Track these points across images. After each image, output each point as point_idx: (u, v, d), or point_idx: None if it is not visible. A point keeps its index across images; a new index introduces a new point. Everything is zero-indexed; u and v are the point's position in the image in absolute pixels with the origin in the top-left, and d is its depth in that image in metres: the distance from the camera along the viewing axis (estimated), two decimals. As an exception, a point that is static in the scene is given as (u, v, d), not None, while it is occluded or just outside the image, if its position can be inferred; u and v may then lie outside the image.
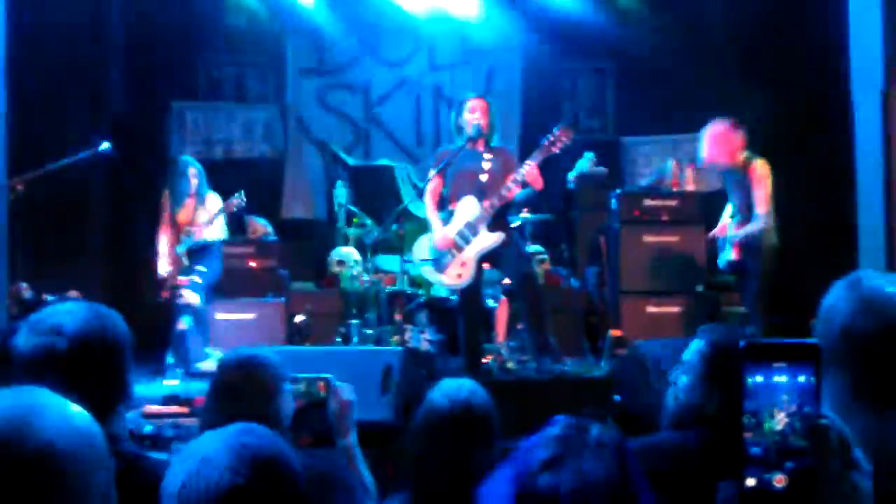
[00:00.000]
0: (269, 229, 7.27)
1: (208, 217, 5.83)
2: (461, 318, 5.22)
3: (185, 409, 4.72)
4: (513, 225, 5.59)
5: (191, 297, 5.80)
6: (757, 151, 5.31)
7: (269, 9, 8.02)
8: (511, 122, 8.10)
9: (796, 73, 6.81)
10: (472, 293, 5.17)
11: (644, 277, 6.32)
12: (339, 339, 6.15)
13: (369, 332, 6.05)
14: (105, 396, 1.71)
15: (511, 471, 1.03)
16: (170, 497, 1.29)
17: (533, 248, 6.64)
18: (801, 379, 1.02)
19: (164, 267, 5.93)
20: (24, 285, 5.97)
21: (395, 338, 5.78)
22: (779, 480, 1.01)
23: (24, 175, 5.34)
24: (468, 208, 5.11)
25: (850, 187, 5.67)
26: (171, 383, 5.43)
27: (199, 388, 4.77)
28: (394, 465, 2.15)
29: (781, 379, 1.02)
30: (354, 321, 6.10)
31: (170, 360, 5.75)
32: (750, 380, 1.02)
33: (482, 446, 1.96)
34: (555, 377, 5.00)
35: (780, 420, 1.01)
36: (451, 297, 5.70)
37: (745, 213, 5.23)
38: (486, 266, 5.26)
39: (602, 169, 7.37)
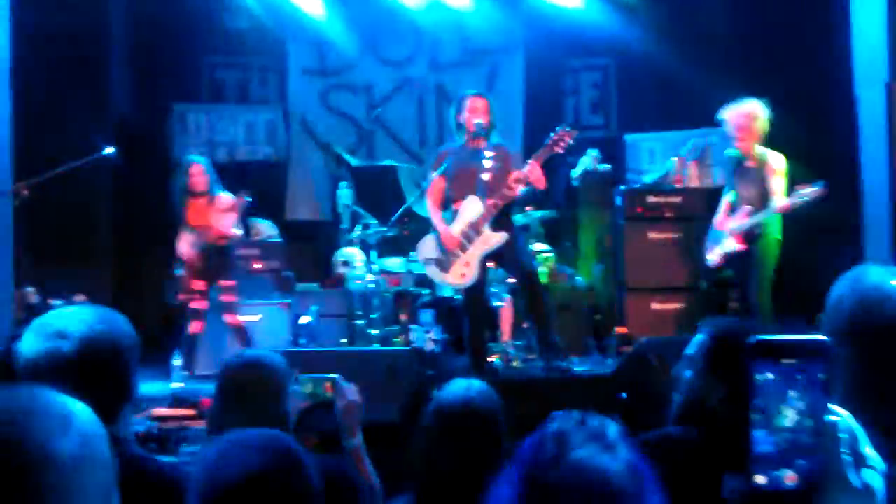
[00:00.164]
0: (274, 231, 7.28)
1: (221, 216, 5.79)
2: (466, 318, 5.21)
3: (191, 412, 4.72)
4: (516, 224, 5.58)
5: (202, 304, 5.81)
6: (761, 145, 5.32)
7: (271, 11, 8.02)
8: (513, 120, 8.10)
9: (800, 68, 6.79)
10: (476, 292, 5.16)
11: (648, 274, 6.32)
12: (344, 340, 6.15)
13: (375, 332, 6.05)
14: (111, 399, 1.72)
15: (517, 469, 1.02)
16: (195, 482, 1.32)
17: (538, 246, 6.63)
18: (811, 375, 1.01)
19: (180, 268, 5.90)
20: (31, 290, 5.98)
21: (401, 338, 5.79)
22: (789, 478, 1.00)
23: (29, 180, 5.35)
24: (471, 208, 5.10)
25: (855, 180, 5.66)
26: (178, 385, 5.44)
27: (205, 391, 4.78)
28: (400, 465, 2.14)
29: (791, 375, 1.02)
30: (360, 322, 6.10)
31: (175, 362, 5.76)
32: (759, 376, 1.02)
33: (489, 447, 1.96)
34: (560, 375, 4.99)
35: (789, 417, 1.01)
36: (456, 297, 5.70)
37: (757, 205, 5.24)
38: (490, 265, 5.25)
39: (606, 166, 7.36)
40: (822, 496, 0.99)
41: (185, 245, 5.83)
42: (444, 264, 5.15)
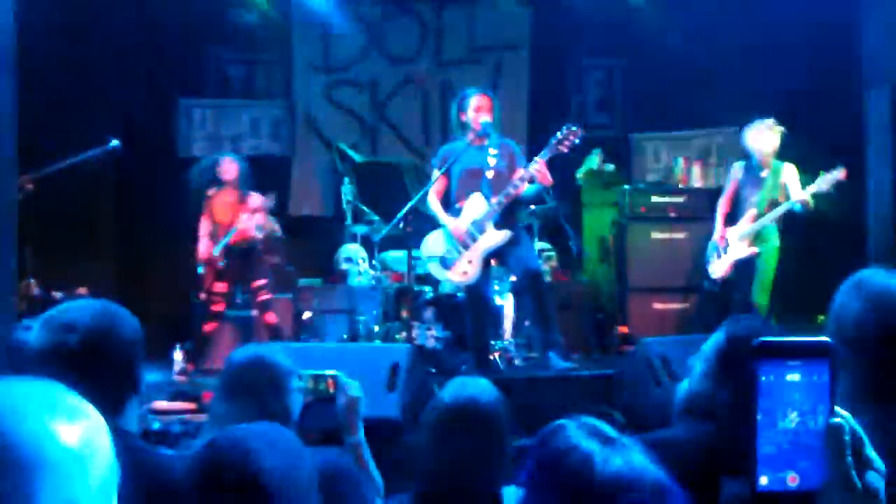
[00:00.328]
0: (277, 226, 7.29)
1: (249, 217, 5.80)
2: (468, 315, 5.22)
3: (192, 406, 4.73)
4: (520, 222, 5.58)
5: (221, 307, 5.82)
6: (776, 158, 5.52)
7: (276, 6, 8.02)
8: (518, 118, 8.09)
9: (806, 67, 6.78)
10: (479, 290, 5.16)
11: (651, 274, 6.32)
12: (346, 336, 6.16)
13: (376, 328, 6.05)
14: (116, 392, 1.73)
15: (528, 468, 1.02)
16: (196, 475, 1.34)
17: (541, 244, 6.63)
18: (815, 377, 1.01)
19: (202, 267, 5.91)
20: (33, 282, 5.99)
21: (403, 335, 5.78)
22: (792, 479, 1.00)
23: (33, 173, 5.35)
24: (476, 206, 5.10)
25: (861, 181, 5.66)
26: (180, 379, 5.45)
27: (207, 385, 4.79)
28: (401, 462, 2.15)
29: (795, 377, 1.02)
30: (362, 318, 6.11)
31: (177, 355, 5.77)
32: (763, 378, 1.02)
33: (490, 444, 1.96)
34: (562, 374, 4.99)
35: (793, 419, 1.01)
36: (459, 294, 5.70)
37: (766, 212, 5.43)
38: (493, 263, 5.26)
39: (610, 165, 7.36)
40: (825, 498, 0.99)
41: (206, 245, 5.83)
42: (447, 261, 5.15)
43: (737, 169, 5.68)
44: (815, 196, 5.27)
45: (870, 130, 5.81)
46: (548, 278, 6.13)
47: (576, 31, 7.89)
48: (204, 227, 5.90)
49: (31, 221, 5.59)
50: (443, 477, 1.93)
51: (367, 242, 6.82)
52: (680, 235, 6.38)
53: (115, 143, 5.74)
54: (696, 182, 7.03)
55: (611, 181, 7.18)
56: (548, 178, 4.91)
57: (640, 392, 4.33)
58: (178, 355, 5.77)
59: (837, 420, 1.02)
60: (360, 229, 6.81)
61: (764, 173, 5.51)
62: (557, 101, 8.26)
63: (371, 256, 6.66)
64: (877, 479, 1.03)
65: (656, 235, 6.41)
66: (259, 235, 5.89)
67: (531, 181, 4.98)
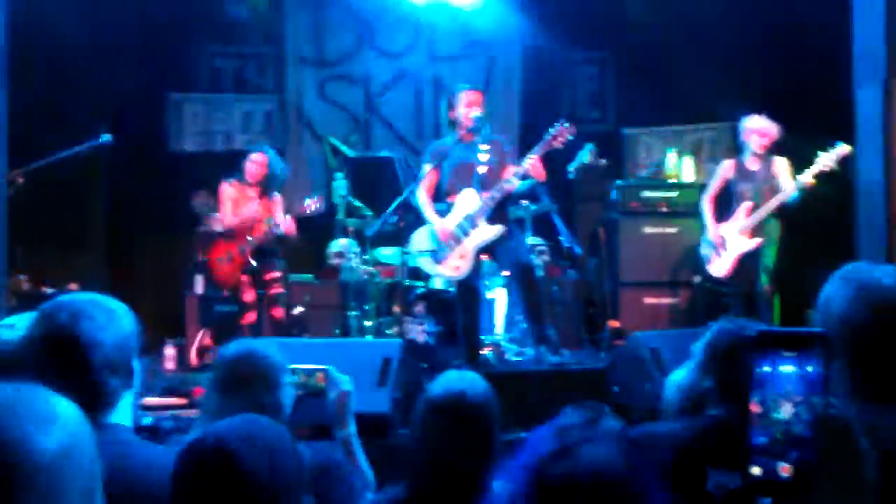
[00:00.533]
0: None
1: (269, 215, 5.81)
2: (460, 310, 5.22)
3: (183, 401, 4.73)
4: (511, 217, 5.58)
5: (252, 296, 5.83)
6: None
7: (269, 0, 8.00)
8: (511, 112, 8.09)
9: (798, 64, 6.80)
10: (470, 285, 5.17)
11: (643, 269, 6.33)
12: (337, 331, 6.15)
13: (368, 323, 6.05)
14: (111, 386, 1.72)
15: (522, 463, 1.03)
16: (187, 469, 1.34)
17: (532, 239, 6.64)
18: (809, 369, 1.02)
19: (226, 259, 5.91)
20: (23, 277, 5.97)
21: (394, 329, 5.79)
22: (784, 469, 1.01)
23: (23, 167, 5.33)
24: (468, 201, 5.10)
25: (850, 178, 5.68)
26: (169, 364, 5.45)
27: (198, 380, 4.78)
28: (392, 456, 2.15)
29: (789, 369, 1.02)
30: (353, 313, 6.10)
31: (168, 350, 5.76)
32: (758, 369, 1.03)
33: (480, 438, 1.96)
34: (553, 368, 5.00)
35: (786, 410, 1.01)
36: (450, 289, 5.71)
37: (761, 203, 5.43)
38: (484, 258, 5.26)
39: (602, 160, 7.36)
40: (817, 488, 1.00)
41: (229, 232, 5.80)
42: (438, 256, 5.15)
43: (726, 167, 5.68)
44: (817, 177, 5.25)
45: (860, 128, 5.83)
46: (540, 273, 6.13)
47: (568, 25, 7.89)
48: (221, 218, 5.88)
49: (22, 216, 5.57)
50: (433, 471, 1.94)
51: (359, 237, 6.81)
52: (671, 230, 6.39)
53: (106, 137, 5.72)
54: (688, 177, 7.04)
55: (602, 176, 7.18)
56: (542, 174, 4.93)
57: (630, 386, 4.35)
58: (169, 351, 5.77)
59: (830, 410, 1.03)
60: (353, 224, 6.80)
61: (756, 167, 5.53)
62: (549, 96, 8.26)
63: (363, 251, 6.66)
64: (867, 470, 1.04)
65: (648, 230, 6.42)
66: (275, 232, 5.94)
67: (525, 177, 4.98)
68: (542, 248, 6.67)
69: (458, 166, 5.15)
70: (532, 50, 8.24)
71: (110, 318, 1.75)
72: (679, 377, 2.15)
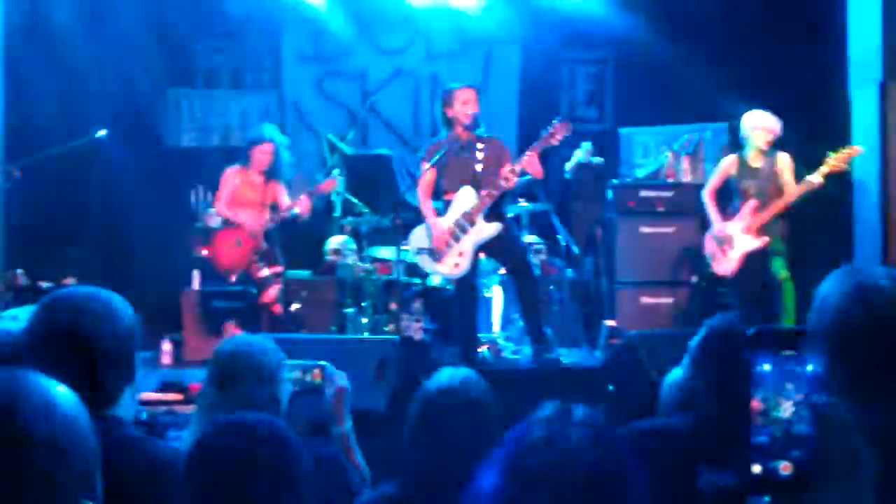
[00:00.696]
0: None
1: (274, 203, 5.81)
2: (457, 308, 5.23)
3: (180, 396, 4.73)
4: (508, 215, 5.59)
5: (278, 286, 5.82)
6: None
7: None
8: (508, 110, 8.09)
9: (794, 64, 6.81)
10: (467, 283, 5.18)
11: (639, 268, 6.34)
12: (334, 328, 6.15)
13: (365, 320, 6.05)
14: (112, 380, 1.72)
15: (500, 456, 1.04)
16: (187, 466, 1.34)
17: (529, 238, 6.64)
18: (809, 368, 1.03)
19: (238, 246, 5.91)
20: (20, 272, 5.96)
21: (391, 327, 5.79)
22: (784, 468, 1.01)
23: (20, 162, 5.33)
24: (465, 199, 5.11)
25: (847, 179, 5.70)
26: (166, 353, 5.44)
27: (194, 376, 4.78)
28: (388, 452, 2.16)
29: (789, 367, 1.03)
30: (350, 310, 6.10)
31: (165, 346, 5.75)
32: (758, 367, 1.03)
33: (477, 435, 1.97)
34: (550, 367, 5.01)
35: (786, 408, 1.02)
36: (447, 287, 5.71)
37: (767, 202, 5.39)
38: (481, 255, 5.26)
39: (599, 159, 7.37)
40: (816, 487, 1.00)
41: (247, 221, 5.80)
42: (436, 254, 5.15)
43: (728, 163, 5.61)
44: (826, 177, 5.23)
45: (856, 129, 5.85)
46: (537, 271, 6.14)
47: (565, 25, 7.89)
48: (228, 207, 5.87)
49: (19, 210, 5.57)
50: (429, 467, 1.94)
51: (356, 234, 6.81)
52: (668, 230, 6.39)
53: (102, 132, 5.71)
54: (685, 177, 7.05)
55: (599, 175, 7.19)
56: (539, 171, 4.93)
57: (626, 385, 4.36)
58: (166, 346, 5.76)
59: (829, 409, 1.03)
60: (349, 221, 6.80)
61: (759, 163, 5.46)
62: (547, 95, 8.27)
63: (360, 248, 6.66)
64: (866, 467, 1.04)
65: (644, 230, 6.42)
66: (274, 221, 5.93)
67: (522, 174, 4.99)
68: (539, 246, 6.68)
69: (455, 164, 5.15)
70: (530, 48, 8.24)
71: (111, 311, 1.75)
72: (675, 377, 2.16)
